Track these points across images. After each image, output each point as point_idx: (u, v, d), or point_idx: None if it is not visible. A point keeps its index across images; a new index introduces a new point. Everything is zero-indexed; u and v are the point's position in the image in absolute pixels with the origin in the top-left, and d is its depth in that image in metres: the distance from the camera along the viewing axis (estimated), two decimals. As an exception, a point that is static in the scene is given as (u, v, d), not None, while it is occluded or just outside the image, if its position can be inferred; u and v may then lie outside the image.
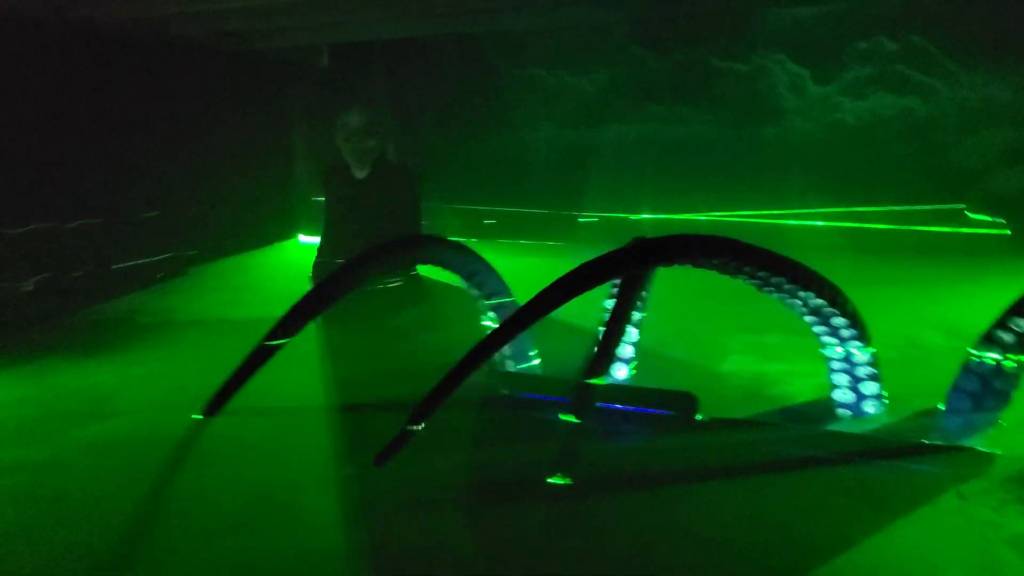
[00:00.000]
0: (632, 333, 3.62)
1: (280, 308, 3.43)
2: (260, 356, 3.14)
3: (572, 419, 2.41)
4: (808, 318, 3.08)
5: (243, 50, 7.58)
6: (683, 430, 3.19)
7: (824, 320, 3.02)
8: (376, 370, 4.11)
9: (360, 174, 6.04)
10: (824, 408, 3.49)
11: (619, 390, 3.38)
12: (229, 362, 3.43)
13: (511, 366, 3.74)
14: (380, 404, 3.53)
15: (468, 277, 3.46)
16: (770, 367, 4.09)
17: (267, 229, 8.62)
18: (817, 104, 8.70)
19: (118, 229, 6.31)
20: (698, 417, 3.22)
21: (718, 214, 9.33)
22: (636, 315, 3.58)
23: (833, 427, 3.29)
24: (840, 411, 3.42)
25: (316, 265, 6.09)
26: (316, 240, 7.02)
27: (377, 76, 9.33)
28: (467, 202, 9.93)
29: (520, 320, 2.59)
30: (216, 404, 3.27)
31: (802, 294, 2.80)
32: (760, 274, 2.73)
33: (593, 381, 2.46)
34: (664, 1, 7.06)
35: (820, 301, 2.85)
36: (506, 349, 3.75)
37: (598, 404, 3.04)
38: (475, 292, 3.59)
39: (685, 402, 3.22)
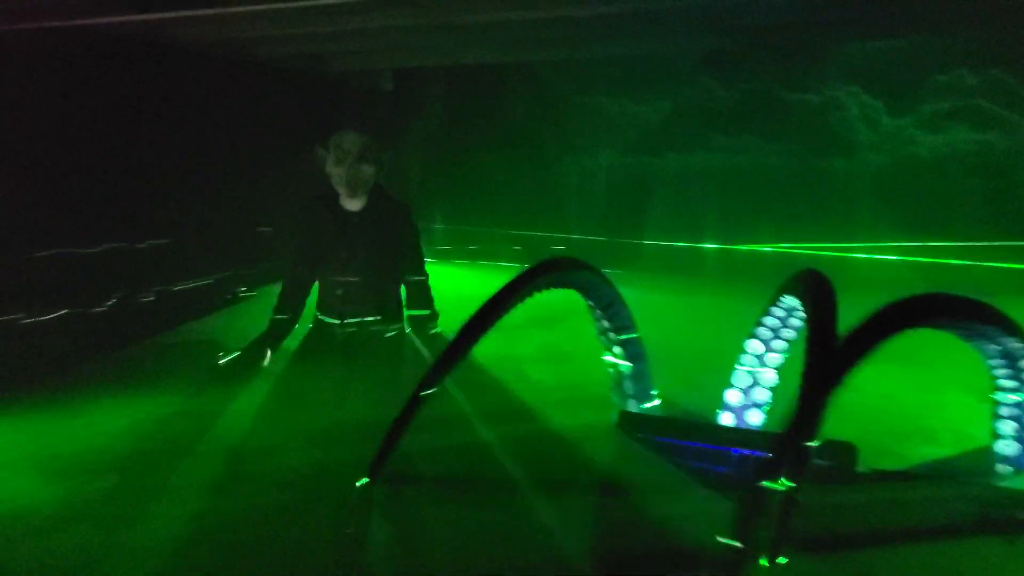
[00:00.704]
0: (769, 375, 3.38)
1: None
2: (416, 407, 2.74)
3: (776, 485, 2.13)
4: (994, 361, 2.84)
5: (316, 73, 7.50)
6: (842, 482, 2.94)
7: (1012, 364, 2.77)
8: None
9: (352, 205, 4.17)
10: (979, 459, 3.24)
11: (768, 437, 3.12)
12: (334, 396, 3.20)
13: (634, 406, 3.51)
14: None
15: (604, 307, 3.24)
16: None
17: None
18: (891, 137, 8.48)
19: (194, 248, 6.17)
20: (857, 469, 2.96)
21: (784, 245, 9.10)
22: (777, 357, 3.34)
23: (1006, 483, 3.02)
24: (1000, 465, 3.15)
25: (276, 324, 4.27)
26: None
27: (439, 101, 9.24)
28: (524, 228, 9.77)
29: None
30: (378, 466, 2.73)
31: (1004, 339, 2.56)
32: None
33: (808, 443, 2.18)
34: (734, 33, 6.91)
35: (1019, 345, 2.61)
36: (629, 387, 3.52)
37: (753, 454, 2.80)
38: (604, 324, 3.37)
39: (844, 452, 2.96)
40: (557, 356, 4.85)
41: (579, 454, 3.11)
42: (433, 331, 4.33)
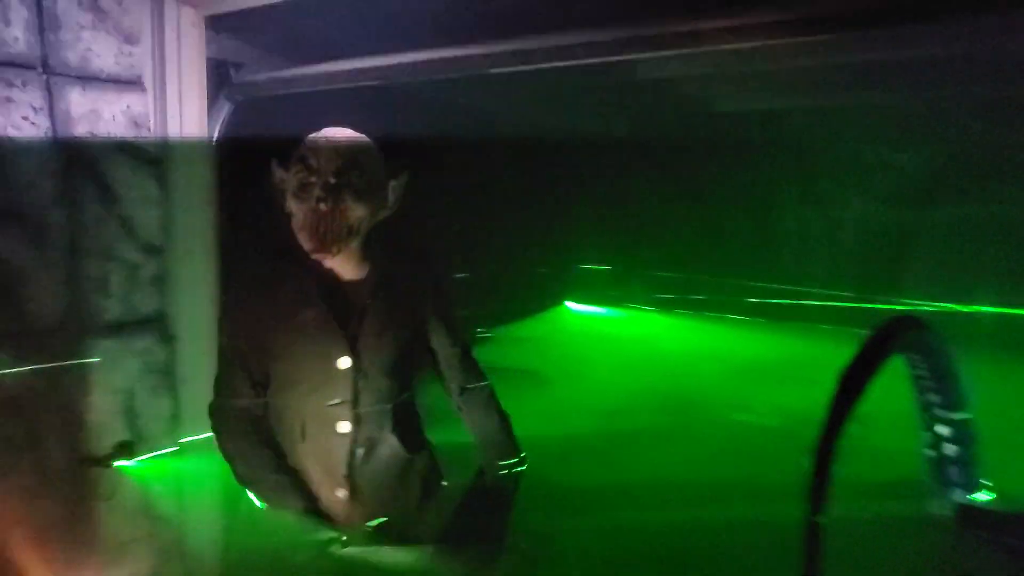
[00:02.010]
0: None
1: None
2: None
3: None
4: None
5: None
6: None
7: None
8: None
9: (344, 271, 2.17)
10: None
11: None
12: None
13: (960, 496, 2.94)
14: None
15: (939, 378, 2.74)
16: None
17: (533, 295, 8.43)
18: None
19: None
20: None
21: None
22: None
23: None
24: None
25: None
26: (585, 308, 6.39)
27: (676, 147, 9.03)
28: (757, 278, 9.20)
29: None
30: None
31: None
32: None
33: None
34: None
35: None
36: (953, 474, 2.96)
37: None
38: (931, 398, 2.85)
39: None
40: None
41: (906, 556, 2.60)
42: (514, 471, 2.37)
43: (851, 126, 8.33)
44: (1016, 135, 7.49)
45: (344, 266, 2.18)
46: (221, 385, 2.24)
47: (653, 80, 6.16)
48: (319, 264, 2.14)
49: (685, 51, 2.84)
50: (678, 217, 9.59)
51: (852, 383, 2.12)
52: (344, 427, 2.13)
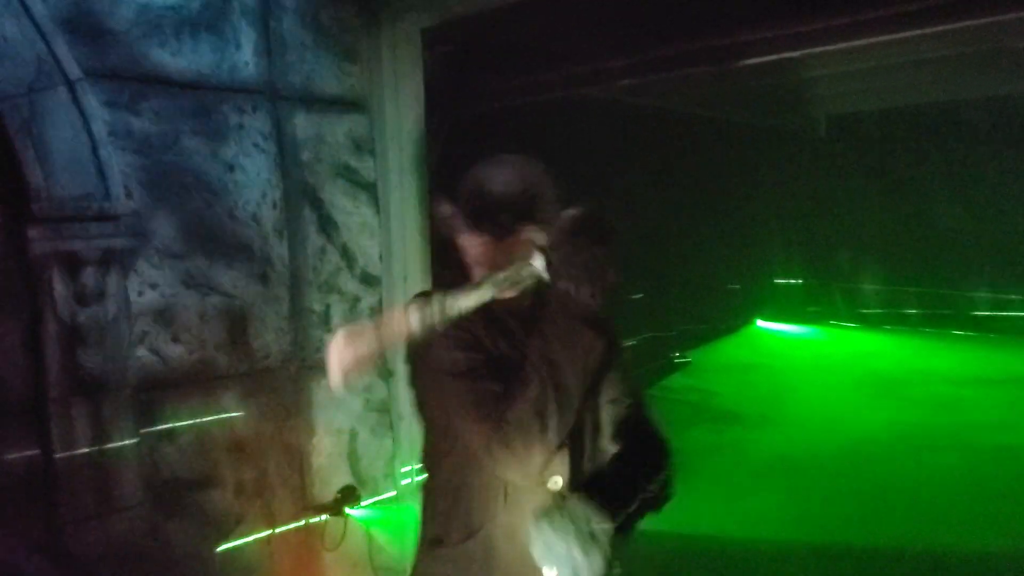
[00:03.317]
0: None
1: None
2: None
3: None
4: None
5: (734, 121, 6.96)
6: None
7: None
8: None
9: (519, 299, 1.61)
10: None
11: None
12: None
13: None
14: None
15: None
16: None
17: (728, 313, 7.82)
18: None
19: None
20: None
21: None
22: None
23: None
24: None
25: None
26: (777, 327, 5.69)
27: (867, 148, 8.17)
28: (972, 288, 8.13)
29: None
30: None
31: None
32: None
33: None
34: None
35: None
36: None
37: None
38: None
39: None
40: None
41: None
42: None
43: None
44: None
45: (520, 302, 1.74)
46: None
47: (841, 73, 5.54)
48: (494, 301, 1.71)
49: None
50: (882, 223, 8.65)
51: None
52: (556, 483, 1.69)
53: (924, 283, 8.81)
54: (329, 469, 2.64)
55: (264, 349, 2.44)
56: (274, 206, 2.42)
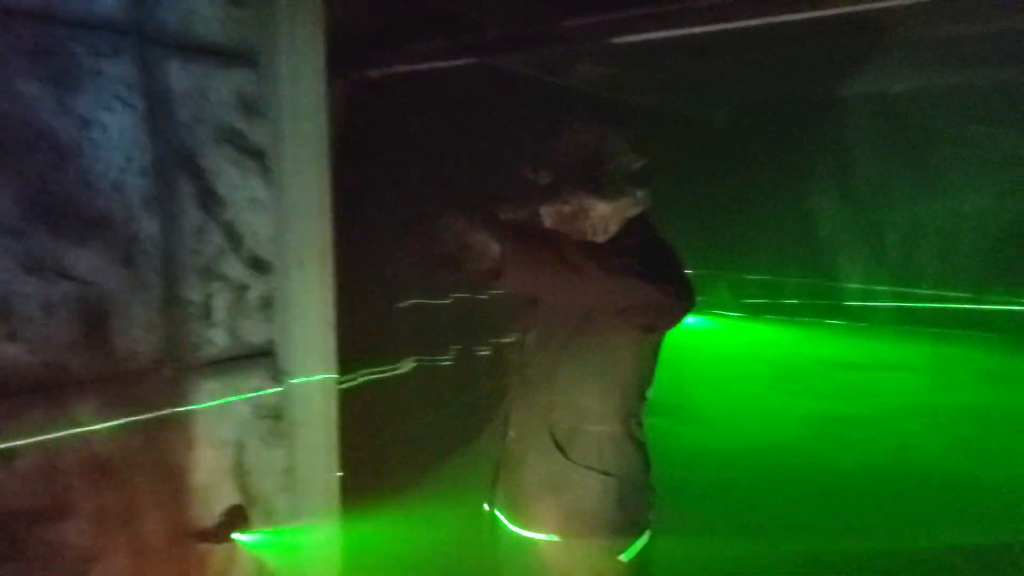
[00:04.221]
0: None
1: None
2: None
3: None
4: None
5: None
6: None
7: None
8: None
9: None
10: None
11: None
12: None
13: None
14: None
15: None
16: None
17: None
18: None
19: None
20: None
21: None
22: None
23: None
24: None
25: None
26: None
27: (771, 137, 8.34)
28: (860, 280, 8.46)
29: None
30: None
31: None
32: None
33: None
34: None
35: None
36: None
37: None
38: None
39: None
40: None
41: None
42: None
43: (963, 108, 7.53)
44: None
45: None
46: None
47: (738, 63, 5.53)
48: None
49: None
50: (768, 214, 8.87)
51: None
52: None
53: (802, 273, 9.11)
54: (211, 488, 2.24)
55: (129, 348, 2.00)
56: (143, 173, 1.99)
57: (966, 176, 7.82)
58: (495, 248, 1.63)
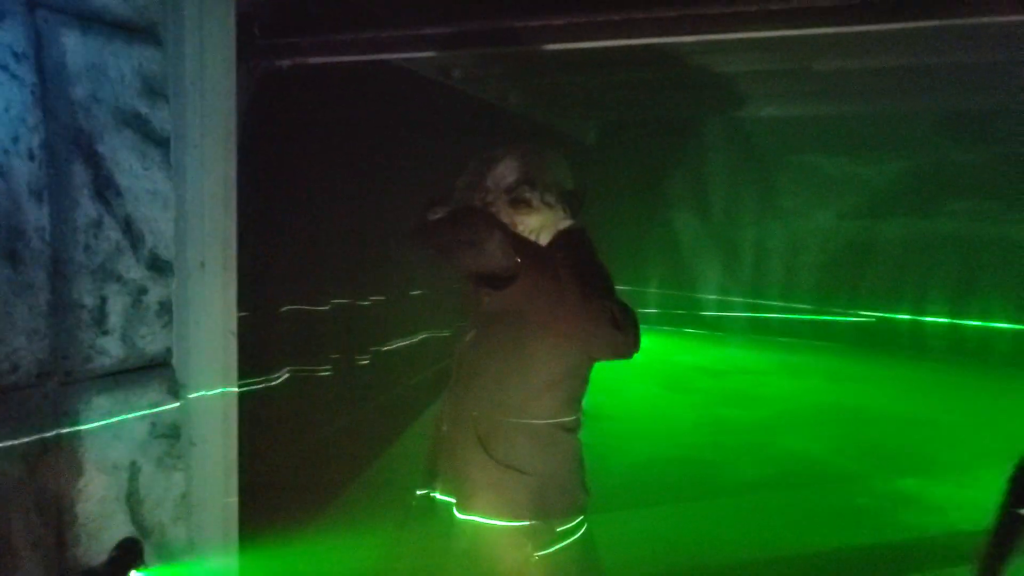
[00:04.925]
0: None
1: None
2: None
3: None
4: None
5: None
6: None
7: None
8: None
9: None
10: None
11: None
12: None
13: None
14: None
15: None
16: None
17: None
18: None
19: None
20: None
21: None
22: None
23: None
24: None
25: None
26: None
27: (636, 157, 8.66)
28: (721, 292, 8.94)
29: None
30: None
31: None
32: None
33: None
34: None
35: None
36: None
37: None
38: None
39: None
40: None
41: None
42: None
43: (810, 137, 8.19)
44: (978, 150, 7.54)
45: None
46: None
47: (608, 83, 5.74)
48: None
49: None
50: (633, 228, 9.21)
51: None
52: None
53: (662, 285, 9.52)
54: (101, 520, 1.96)
55: (9, 358, 1.72)
56: (30, 156, 1.71)
57: (810, 199, 8.49)
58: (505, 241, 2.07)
